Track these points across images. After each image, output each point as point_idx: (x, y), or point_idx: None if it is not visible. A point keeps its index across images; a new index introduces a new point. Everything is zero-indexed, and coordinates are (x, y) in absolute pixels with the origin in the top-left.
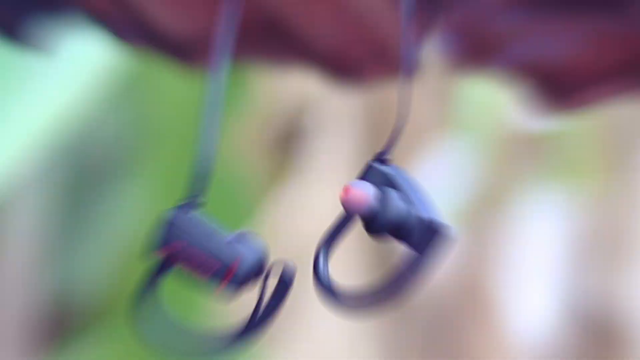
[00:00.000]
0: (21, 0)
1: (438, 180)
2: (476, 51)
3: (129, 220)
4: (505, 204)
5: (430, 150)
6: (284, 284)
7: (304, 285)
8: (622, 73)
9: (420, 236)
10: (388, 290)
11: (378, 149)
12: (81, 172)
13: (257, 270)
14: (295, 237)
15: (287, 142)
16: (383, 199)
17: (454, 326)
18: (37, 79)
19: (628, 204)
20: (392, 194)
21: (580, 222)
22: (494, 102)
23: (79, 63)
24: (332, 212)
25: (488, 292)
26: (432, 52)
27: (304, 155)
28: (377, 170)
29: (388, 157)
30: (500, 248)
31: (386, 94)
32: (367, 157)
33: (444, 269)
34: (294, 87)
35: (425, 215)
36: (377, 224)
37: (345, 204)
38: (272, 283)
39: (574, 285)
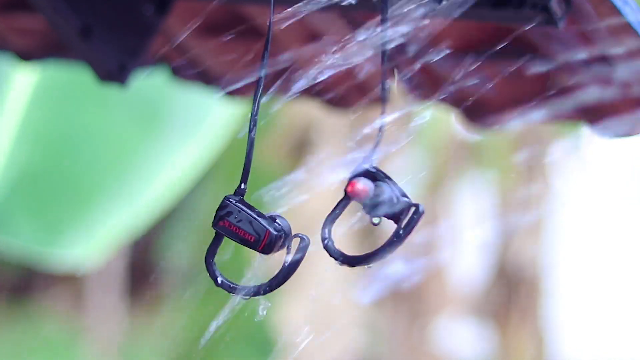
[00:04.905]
0: (126, 58)
1: (405, 171)
2: (428, 87)
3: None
4: (448, 188)
5: (400, 152)
6: (301, 251)
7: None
8: (521, 102)
9: (402, 214)
10: (382, 252)
11: (363, 154)
12: None
13: (282, 242)
14: (306, 211)
15: (300, 148)
16: (378, 191)
17: None
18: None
19: (529, 189)
20: (385, 187)
21: (497, 201)
22: (441, 120)
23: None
24: (330, 195)
25: (438, 250)
26: (401, 87)
27: (311, 156)
28: (365, 168)
29: (373, 159)
30: (446, 218)
31: (364, 115)
32: (353, 159)
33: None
34: (304, 112)
35: (404, 200)
36: (374, 209)
37: (351, 194)
38: (294, 249)
39: (496, 246)
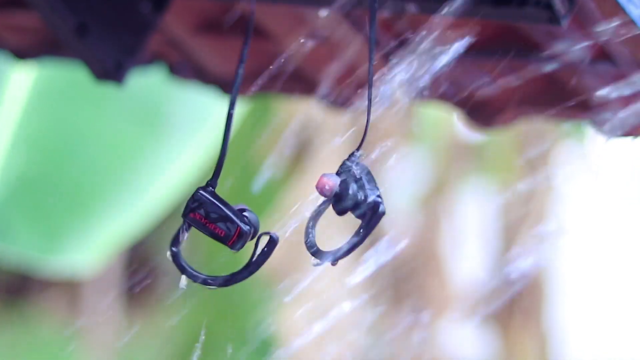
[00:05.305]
0: (122, 56)
1: (404, 173)
2: (431, 86)
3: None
4: (450, 191)
5: (399, 152)
6: (270, 246)
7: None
8: (525, 102)
9: (366, 213)
10: (348, 248)
11: (357, 153)
12: None
13: (251, 236)
14: (303, 213)
15: (298, 148)
16: (344, 187)
17: (414, 277)
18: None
19: (534, 191)
20: (352, 184)
21: (500, 204)
22: (442, 120)
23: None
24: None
25: (439, 253)
26: (401, 85)
27: (309, 157)
28: (347, 166)
29: (357, 156)
30: (447, 222)
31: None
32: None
33: (408, 237)
34: (303, 110)
35: (370, 198)
36: (339, 205)
37: (316, 188)
38: (263, 244)
39: (497, 248)
